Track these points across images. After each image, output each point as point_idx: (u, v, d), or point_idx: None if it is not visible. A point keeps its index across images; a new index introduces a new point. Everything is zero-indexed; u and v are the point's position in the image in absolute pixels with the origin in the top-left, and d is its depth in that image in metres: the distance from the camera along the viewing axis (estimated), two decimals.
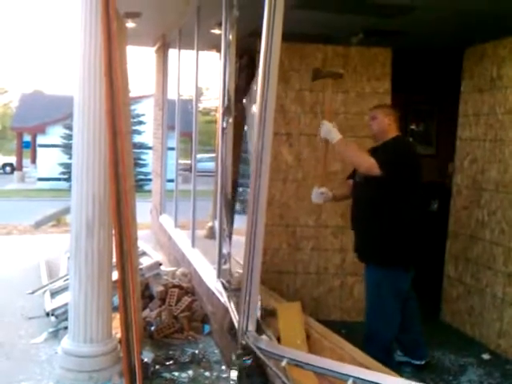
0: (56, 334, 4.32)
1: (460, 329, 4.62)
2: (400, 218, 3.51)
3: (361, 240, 3.74)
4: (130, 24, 5.84)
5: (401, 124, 3.79)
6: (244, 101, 5.33)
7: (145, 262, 5.31)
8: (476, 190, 4.54)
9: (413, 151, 3.83)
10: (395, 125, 3.69)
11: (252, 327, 3.15)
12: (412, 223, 3.55)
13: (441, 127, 7.24)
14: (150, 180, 10.74)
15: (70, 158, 3.59)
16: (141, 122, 20.18)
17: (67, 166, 19.02)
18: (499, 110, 4.30)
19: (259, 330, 3.20)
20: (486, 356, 4.11)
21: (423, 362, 3.87)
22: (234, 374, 3.02)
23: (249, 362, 2.99)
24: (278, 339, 3.38)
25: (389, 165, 3.41)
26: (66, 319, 3.82)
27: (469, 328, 4.54)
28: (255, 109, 3.04)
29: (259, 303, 3.33)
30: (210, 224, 7.11)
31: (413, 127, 7.43)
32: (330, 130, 3.55)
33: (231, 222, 4.37)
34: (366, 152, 3.64)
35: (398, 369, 3.47)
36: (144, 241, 6.42)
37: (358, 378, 2.61)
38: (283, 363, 2.86)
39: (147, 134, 17.08)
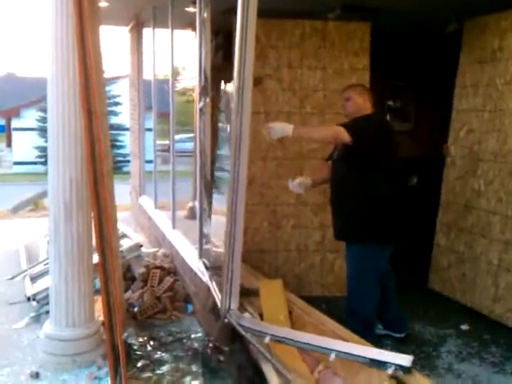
0: (38, 319, 4.30)
1: (450, 296, 4.71)
2: (375, 194, 3.52)
3: (340, 218, 3.75)
4: (102, 3, 5.72)
5: (378, 100, 3.78)
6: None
7: (125, 243, 5.28)
8: (472, 160, 4.57)
9: (383, 124, 3.81)
10: (369, 103, 3.67)
11: (234, 305, 3.18)
12: (387, 200, 3.55)
13: (419, 103, 7.27)
14: (129, 161, 10.64)
15: (46, 141, 3.53)
16: (117, 103, 19.94)
17: (43, 150, 18.75)
18: (499, 80, 4.33)
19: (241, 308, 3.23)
20: (464, 327, 4.20)
21: (403, 335, 3.94)
22: None
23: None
24: (261, 316, 3.41)
25: (356, 130, 3.33)
26: (48, 304, 3.80)
27: (459, 295, 4.61)
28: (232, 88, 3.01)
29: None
30: (190, 204, 7.10)
31: (390, 103, 7.44)
32: (280, 128, 3.29)
33: (211, 202, 4.36)
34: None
35: (378, 342, 3.55)
36: (124, 223, 6.38)
37: (340, 352, 2.67)
38: (266, 340, 2.90)
39: (124, 115, 16.87)
